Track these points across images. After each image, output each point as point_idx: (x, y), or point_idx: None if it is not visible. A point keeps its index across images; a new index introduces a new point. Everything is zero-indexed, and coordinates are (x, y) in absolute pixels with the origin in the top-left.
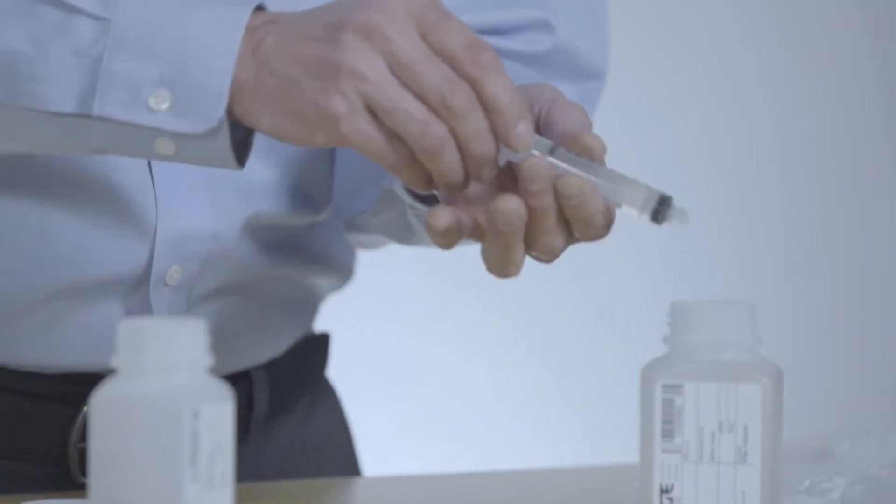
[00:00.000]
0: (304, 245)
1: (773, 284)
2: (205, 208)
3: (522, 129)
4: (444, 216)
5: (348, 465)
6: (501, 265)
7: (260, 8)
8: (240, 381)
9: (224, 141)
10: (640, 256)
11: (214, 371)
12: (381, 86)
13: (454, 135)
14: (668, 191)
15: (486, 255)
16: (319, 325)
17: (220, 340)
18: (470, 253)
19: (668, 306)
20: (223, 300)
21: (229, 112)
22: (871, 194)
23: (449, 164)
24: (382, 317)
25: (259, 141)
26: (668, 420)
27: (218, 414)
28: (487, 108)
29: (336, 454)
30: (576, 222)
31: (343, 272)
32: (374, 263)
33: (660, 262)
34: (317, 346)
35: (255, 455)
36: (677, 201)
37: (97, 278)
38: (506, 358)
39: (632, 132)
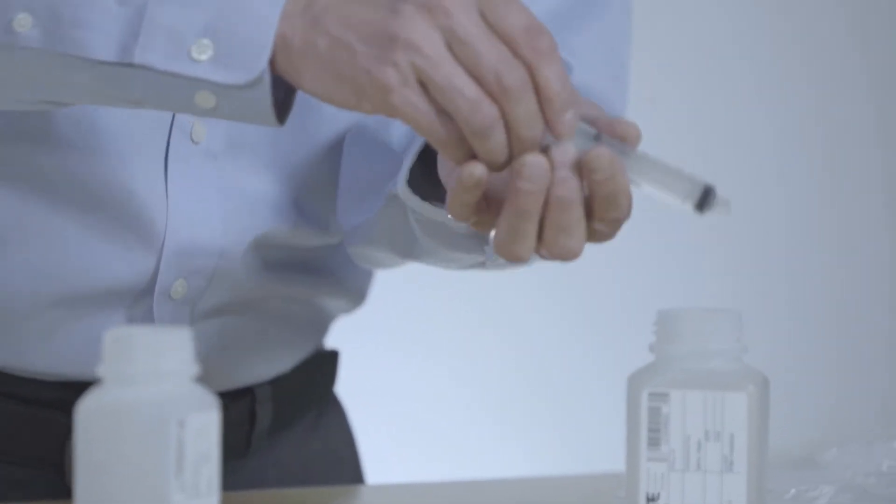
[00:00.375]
0: (314, 266)
1: (759, 293)
2: (215, 224)
3: (570, 117)
4: (478, 167)
5: (354, 482)
6: (513, 239)
7: None
8: (242, 396)
9: (265, 95)
10: (626, 265)
11: (217, 386)
12: (437, 61)
13: (504, 115)
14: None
15: (498, 230)
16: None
17: (224, 356)
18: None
19: (654, 314)
20: (228, 316)
21: (273, 67)
22: (858, 202)
23: (495, 144)
24: (373, 328)
25: (269, 158)
26: (654, 428)
27: (204, 422)
28: (539, 92)
29: (340, 470)
30: (600, 201)
31: (355, 295)
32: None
33: (646, 271)
34: (324, 363)
35: (257, 469)
36: (721, 191)
37: (101, 287)
38: (493, 368)
39: None
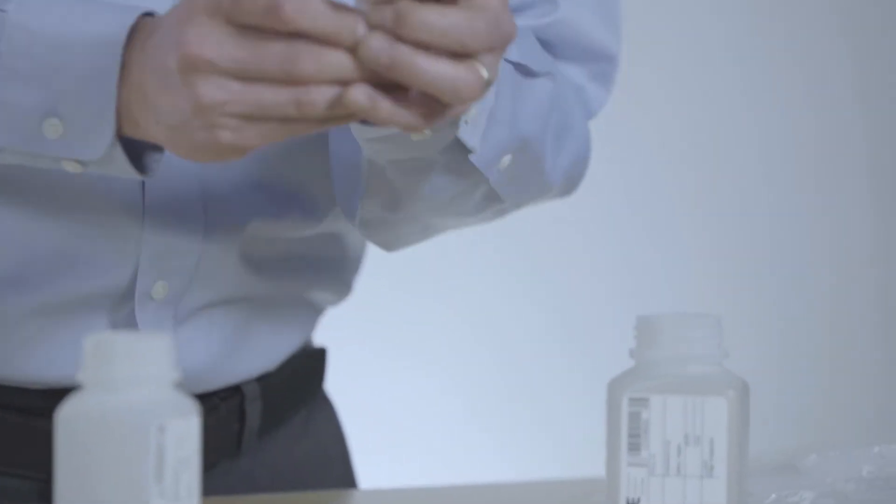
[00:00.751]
0: (298, 259)
1: (740, 298)
2: (194, 223)
3: (358, 28)
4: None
5: (344, 481)
6: (444, 91)
7: (147, 14)
8: (231, 396)
9: (121, 162)
10: (607, 270)
11: (205, 385)
12: (236, 99)
13: (316, 77)
14: (642, 201)
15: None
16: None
17: (211, 355)
18: (446, 271)
19: (634, 320)
20: (213, 315)
21: (121, 132)
22: (842, 207)
23: (322, 96)
24: (360, 332)
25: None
26: (634, 433)
27: (184, 428)
28: (317, 39)
29: (332, 470)
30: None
31: (341, 286)
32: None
33: (626, 276)
34: (312, 361)
35: (247, 471)
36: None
37: (82, 293)
38: (474, 373)
39: (605, 140)
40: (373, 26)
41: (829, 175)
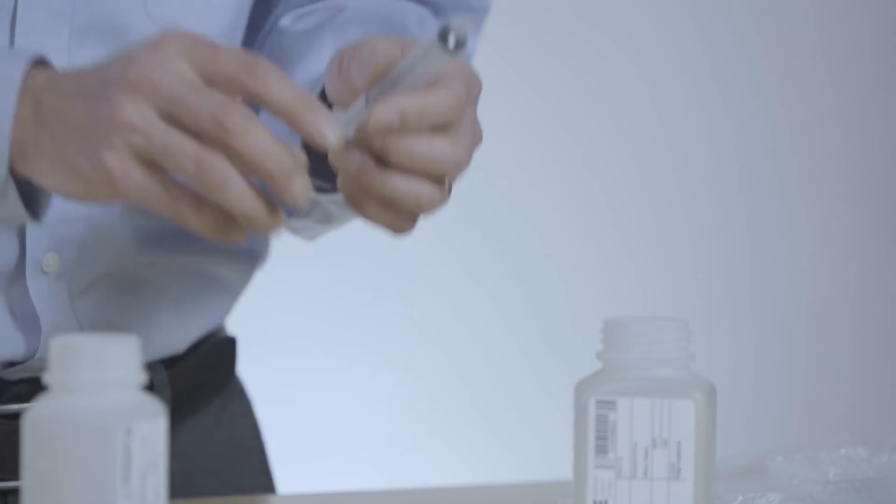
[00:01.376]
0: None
1: (707, 301)
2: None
3: (324, 122)
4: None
5: (259, 472)
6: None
7: (41, 62)
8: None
9: (13, 200)
10: (573, 272)
11: None
12: (150, 132)
13: (242, 157)
14: (609, 203)
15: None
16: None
17: (113, 331)
18: (394, 262)
19: (601, 322)
20: (109, 289)
21: (15, 171)
22: (814, 212)
23: (238, 196)
24: (317, 335)
25: None
26: (601, 436)
27: (150, 431)
28: (279, 115)
29: (247, 460)
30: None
31: (247, 259)
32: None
33: (594, 279)
34: (221, 349)
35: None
36: (454, 22)
37: None
38: (438, 373)
39: (575, 144)
40: (356, 142)
41: (804, 178)
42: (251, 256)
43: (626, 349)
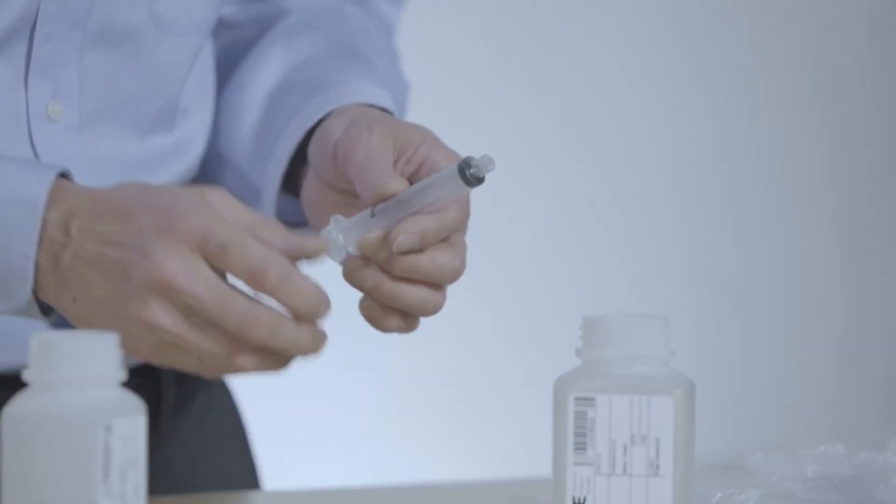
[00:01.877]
0: None
1: (687, 298)
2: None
3: (321, 317)
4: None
5: (244, 472)
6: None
7: (62, 176)
8: (148, 375)
9: (35, 314)
10: (552, 269)
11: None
12: (179, 334)
13: (276, 349)
14: (590, 199)
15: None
16: None
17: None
18: None
19: (580, 319)
20: None
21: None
22: (794, 211)
23: (289, 332)
24: None
25: (130, 119)
26: (580, 433)
27: (130, 428)
28: (295, 315)
29: (231, 460)
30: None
31: None
32: None
33: (573, 275)
34: None
35: (163, 449)
36: (476, 153)
37: None
38: (417, 369)
39: (557, 140)
40: (363, 254)
41: (789, 174)
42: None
43: (605, 346)
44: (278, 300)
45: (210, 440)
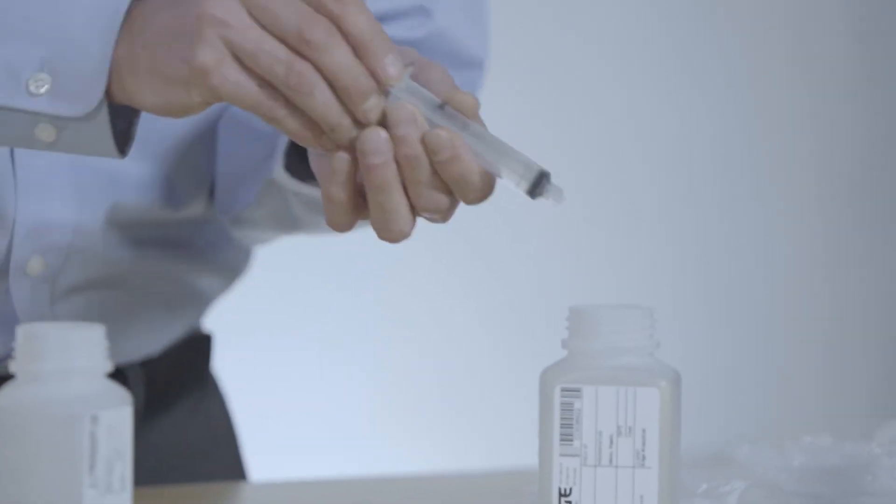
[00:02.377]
0: (181, 242)
1: (673, 289)
2: (67, 199)
3: (390, 60)
4: (342, 156)
5: (232, 467)
6: (386, 217)
7: None
8: (113, 379)
9: (104, 126)
10: (539, 259)
11: None
12: (242, 30)
13: (321, 70)
14: (575, 190)
15: (371, 216)
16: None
17: None
18: (364, 253)
19: (566, 310)
20: (92, 294)
21: (112, 96)
22: (781, 204)
23: (322, 102)
24: (285, 327)
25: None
26: (566, 424)
27: (116, 419)
28: (352, 43)
29: (220, 455)
30: (451, 182)
31: (227, 272)
32: (270, 265)
33: (560, 266)
34: (197, 346)
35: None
36: (555, 179)
37: None
38: (404, 362)
39: (539, 131)
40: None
41: (776, 165)
42: (232, 270)
43: (591, 337)
44: (346, 18)
45: (192, 447)
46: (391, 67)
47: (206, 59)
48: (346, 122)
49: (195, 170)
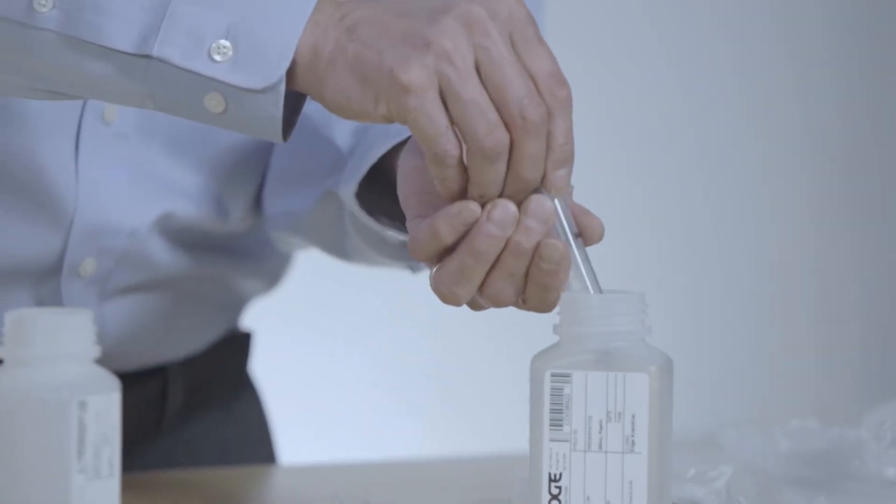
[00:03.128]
0: (229, 247)
1: (664, 275)
2: (124, 205)
3: (563, 174)
4: (473, 206)
5: (266, 463)
6: (458, 279)
7: None
8: (154, 376)
9: (277, 104)
10: None
11: (129, 365)
12: (465, 74)
13: (514, 149)
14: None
15: (444, 267)
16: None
17: (135, 335)
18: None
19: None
20: (139, 295)
21: (290, 81)
22: (762, 189)
23: (496, 174)
24: (287, 316)
25: (191, 145)
26: (556, 409)
27: (105, 404)
28: (547, 140)
29: (254, 452)
30: (534, 286)
31: (270, 276)
32: None
33: None
34: (237, 344)
35: (167, 450)
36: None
37: (7, 265)
38: (395, 347)
39: None
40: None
41: (764, 149)
42: (275, 274)
43: (582, 322)
44: (555, 117)
45: (225, 445)
46: (560, 179)
47: (415, 79)
48: (495, 195)
49: (247, 186)
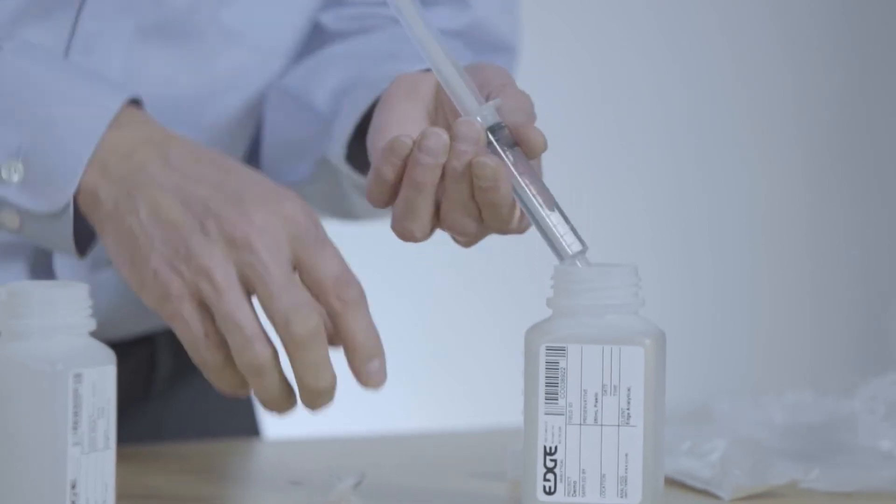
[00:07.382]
0: None
1: (657, 247)
2: None
3: (375, 368)
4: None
5: (249, 431)
6: (406, 215)
7: (135, 102)
8: (142, 344)
9: (66, 228)
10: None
11: (119, 334)
12: (222, 290)
13: (291, 360)
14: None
15: (395, 206)
16: None
17: (124, 305)
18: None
19: (551, 268)
20: None
21: (79, 206)
22: (755, 160)
23: (267, 385)
24: None
25: (171, 115)
26: (551, 382)
27: (100, 376)
28: (344, 342)
29: (238, 421)
30: (484, 207)
31: None
32: None
33: None
34: None
35: (154, 417)
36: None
37: (4, 239)
38: (389, 317)
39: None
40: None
41: (756, 119)
42: None
43: (576, 295)
44: (345, 319)
45: (210, 414)
46: (374, 375)
47: (174, 289)
48: (281, 402)
49: (244, 145)
